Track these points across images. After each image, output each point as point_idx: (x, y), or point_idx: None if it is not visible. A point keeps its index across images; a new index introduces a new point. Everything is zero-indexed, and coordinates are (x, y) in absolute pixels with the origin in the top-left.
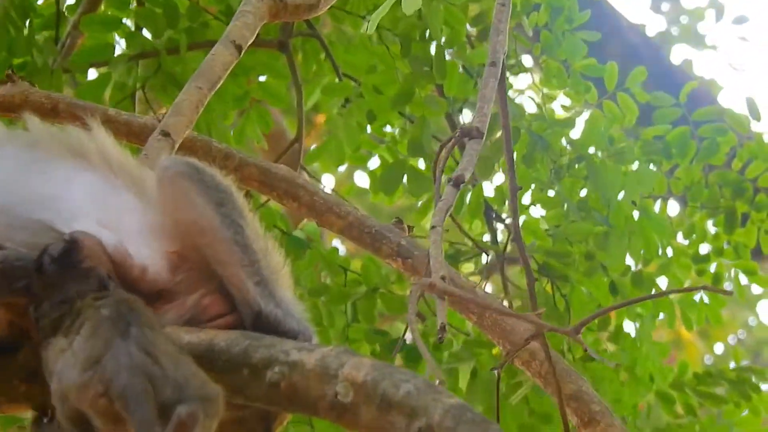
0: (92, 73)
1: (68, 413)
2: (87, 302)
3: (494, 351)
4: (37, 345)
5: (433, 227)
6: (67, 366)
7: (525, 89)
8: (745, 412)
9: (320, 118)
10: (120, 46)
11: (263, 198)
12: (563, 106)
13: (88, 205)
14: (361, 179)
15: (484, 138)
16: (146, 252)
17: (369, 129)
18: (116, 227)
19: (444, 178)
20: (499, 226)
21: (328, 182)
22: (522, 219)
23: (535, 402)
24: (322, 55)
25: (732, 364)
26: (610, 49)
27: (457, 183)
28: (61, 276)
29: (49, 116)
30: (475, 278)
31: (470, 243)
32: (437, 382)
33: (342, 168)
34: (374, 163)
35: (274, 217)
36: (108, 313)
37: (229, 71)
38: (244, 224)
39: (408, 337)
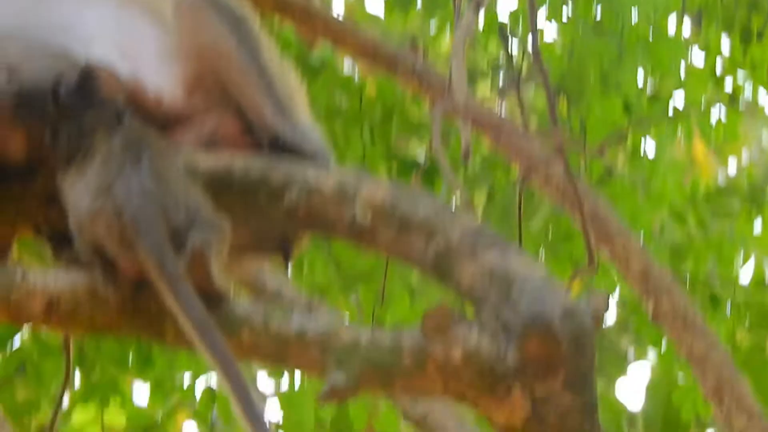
0: None
1: (84, 242)
2: (101, 135)
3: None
4: (53, 174)
5: (454, 49)
6: (80, 195)
7: None
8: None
9: None
10: None
11: (278, 23)
12: None
13: (104, 31)
14: (372, 5)
15: None
16: (162, 78)
17: None
18: (132, 53)
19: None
20: (515, 47)
21: (338, 9)
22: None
23: (555, 223)
24: None
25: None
26: None
27: (477, 5)
28: (77, 107)
29: None
30: (492, 98)
31: (486, 62)
32: (458, 193)
33: None
34: None
35: (288, 41)
36: (119, 142)
37: None
38: (260, 47)
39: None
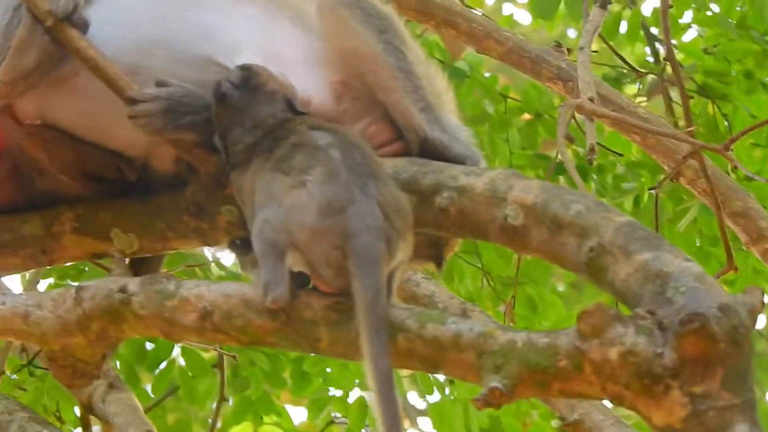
0: None
1: (276, 243)
2: (291, 128)
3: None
4: (203, 183)
5: (581, 48)
6: (302, 206)
7: None
8: None
9: None
10: None
11: (421, 28)
12: None
13: (250, 37)
14: (509, 10)
15: None
16: (310, 83)
17: None
18: (279, 59)
19: None
20: (661, 49)
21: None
22: (681, 39)
23: (704, 224)
24: None
25: None
26: None
27: (603, 3)
28: (246, 101)
29: None
30: (642, 100)
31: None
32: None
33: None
34: None
35: (431, 47)
36: (340, 157)
37: None
38: (407, 50)
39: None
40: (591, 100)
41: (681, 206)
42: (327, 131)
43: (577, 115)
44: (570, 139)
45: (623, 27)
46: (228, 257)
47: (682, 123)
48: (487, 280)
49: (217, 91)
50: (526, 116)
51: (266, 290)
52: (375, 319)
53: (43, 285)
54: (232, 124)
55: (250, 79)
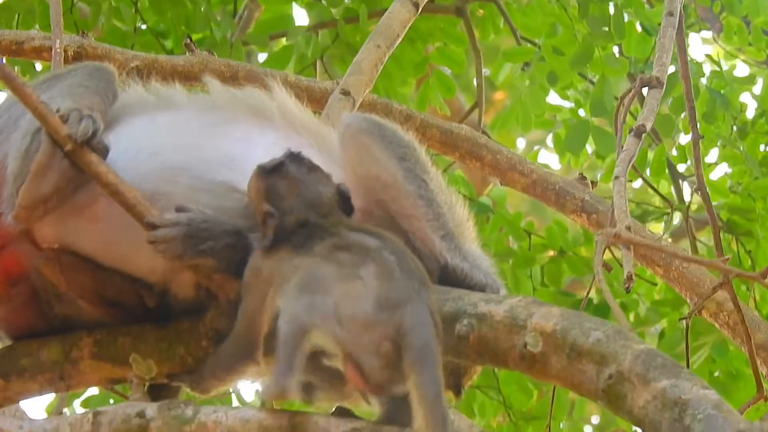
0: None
1: (308, 329)
2: (332, 222)
3: (682, 310)
4: (221, 309)
5: (616, 177)
6: (357, 296)
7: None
8: None
9: (498, 95)
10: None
11: (446, 161)
12: (744, 61)
13: None
14: (540, 153)
15: (664, 89)
16: None
17: (551, 92)
18: None
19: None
20: (685, 188)
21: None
22: (707, 176)
23: (721, 362)
24: (500, 20)
25: None
26: None
27: (638, 133)
28: (305, 175)
29: (228, 83)
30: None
31: (657, 203)
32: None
33: (521, 143)
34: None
35: (457, 182)
36: (395, 259)
37: (407, 29)
38: (428, 178)
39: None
40: (628, 228)
41: (696, 341)
42: (371, 234)
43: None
44: (607, 268)
45: (649, 168)
46: (248, 388)
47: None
48: (508, 414)
49: (282, 159)
50: (550, 253)
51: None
52: (438, 415)
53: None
54: (288, 194)
55: (305, 160)
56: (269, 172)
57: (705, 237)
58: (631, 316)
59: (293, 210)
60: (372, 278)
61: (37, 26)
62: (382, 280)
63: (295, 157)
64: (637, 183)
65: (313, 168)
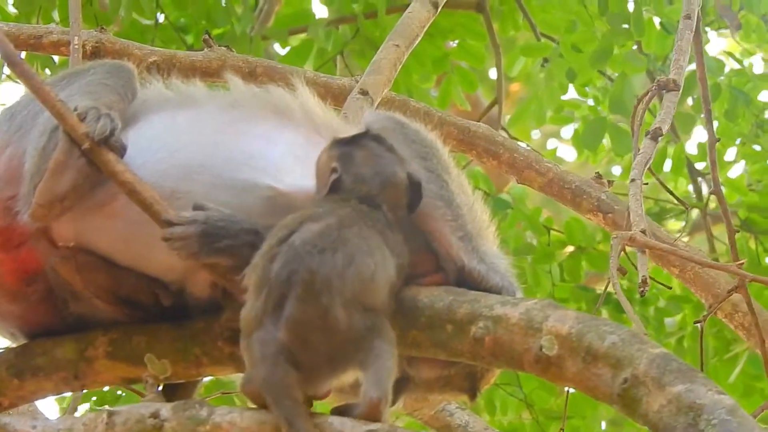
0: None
1: None
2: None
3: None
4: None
5: (632, 180)
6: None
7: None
8: None
9: (514, 87)
10: (318, 12)
11: (465, 159)
12: (764, 59)
13: (292, 162)
14: (554, 145)
15: (681, 90)
16: None
17: (570, 88)
18: None
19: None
20: (704, 185)
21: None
22: (726, 174)
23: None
24: (520, 16)
25: None
26: None
27: (655, 136)
28: (381, 156)
29: (246, 80)
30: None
31: (675, 201)
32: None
33: (535, 134)
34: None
35: (476, 178)
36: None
37: (426, 28)
38: (449, 179)
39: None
40: (643, 232)
41: (729, 354)
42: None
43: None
44: (622, 271)
45: (668, 163)
46: None
47: (724, 259)
48: (530, 412)
49: (362, 133)
50: (569, 248)
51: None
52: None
53: (80, 411)
54: (363, 164)
55: (385, 140)
56: (347, 143)
57: (723, 233)
58: (651, 310)
59: (365, 181)
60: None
61: (56, 18)
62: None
63: (375, 136)
64: None
65: (392, 149)
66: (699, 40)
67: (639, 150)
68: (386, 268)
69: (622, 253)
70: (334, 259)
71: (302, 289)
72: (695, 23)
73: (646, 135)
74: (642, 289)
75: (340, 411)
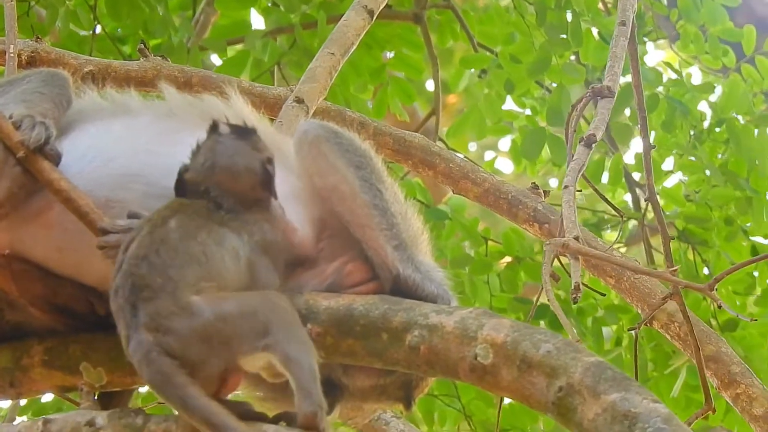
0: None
1: None
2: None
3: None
4: None
5: (565, 187)
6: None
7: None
8: None
9: (451, 99)
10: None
11: (401, 169)
12: (702, 70)
13: None
14: (492, 156)
15: (616, 98)
16: (293, 218)
17: (508, 99)
18: None
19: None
20: (642, 196)
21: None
22: (663, 185)
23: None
24: (457, 26)
25: None
26: (738, 20)
27: (588, 143)
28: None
29: (182, 89)
30: (619, 246)
31: (612, 211)
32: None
33: (472, 147)
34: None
35: (414, 189)
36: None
37: (361, 37)
38: (383, 188)
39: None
40: (576, 239)
41: (669, 368)
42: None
43: (561, 257)
44: (555, 278)
45: (605, 176)
46: None
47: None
48: (468, 423)
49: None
50: (507, 259)
51: None
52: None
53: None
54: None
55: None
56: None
57: (661, 244)
58: (589, 321)
59: (198, 170)
60: None
61: None
62: None
63: (228, 126)
64: None
65: (243, 137)
66: (634, 47)
67: (573, 157)
68: (222, 244)
69: (558, 262)
70: (160, 257)
71: (144, 291)
72: (630, 30)
73: (580, 142)
74: (575, 295)
75: (279, 419)
